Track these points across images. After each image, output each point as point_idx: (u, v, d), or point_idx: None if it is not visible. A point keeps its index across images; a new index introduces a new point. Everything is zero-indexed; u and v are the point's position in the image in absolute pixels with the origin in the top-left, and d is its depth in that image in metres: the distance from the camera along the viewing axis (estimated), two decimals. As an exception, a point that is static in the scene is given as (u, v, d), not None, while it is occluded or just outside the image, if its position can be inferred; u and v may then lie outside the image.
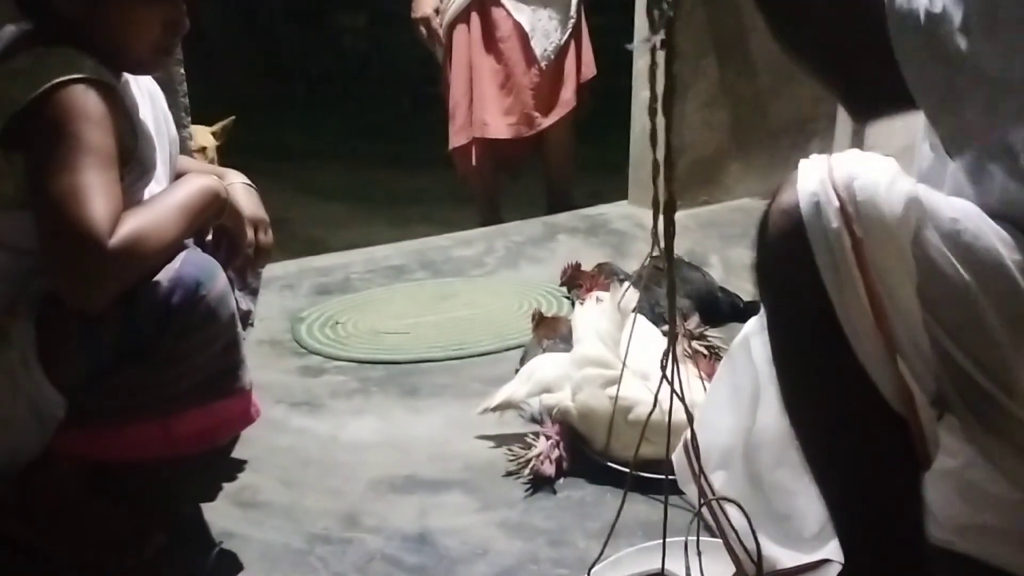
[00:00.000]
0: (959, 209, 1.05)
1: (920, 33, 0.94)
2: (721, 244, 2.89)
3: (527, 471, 1.74)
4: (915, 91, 0.96)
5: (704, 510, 1.20)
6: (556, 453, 1.75)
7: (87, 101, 1.32)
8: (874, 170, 1.02)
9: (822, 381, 1.06)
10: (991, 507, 1.29)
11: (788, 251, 1.02)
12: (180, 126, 2.09)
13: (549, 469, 1.73)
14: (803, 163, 1.05)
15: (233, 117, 3.17)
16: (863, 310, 0.99)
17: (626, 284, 2.02)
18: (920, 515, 1.08)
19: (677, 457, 1.41)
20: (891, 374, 1.00)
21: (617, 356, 1.78)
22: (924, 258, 1.00)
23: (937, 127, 0.99)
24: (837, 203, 0.99)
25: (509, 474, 1.77)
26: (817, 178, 1.01)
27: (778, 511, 1.30)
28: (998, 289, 1.01)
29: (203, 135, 3.08)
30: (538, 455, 1.75)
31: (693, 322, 2.18)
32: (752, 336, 1.29)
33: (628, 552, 1.41)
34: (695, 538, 1.11)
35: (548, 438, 1.77)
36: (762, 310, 1.13)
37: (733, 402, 1.33)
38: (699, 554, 1.11)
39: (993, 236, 1.03)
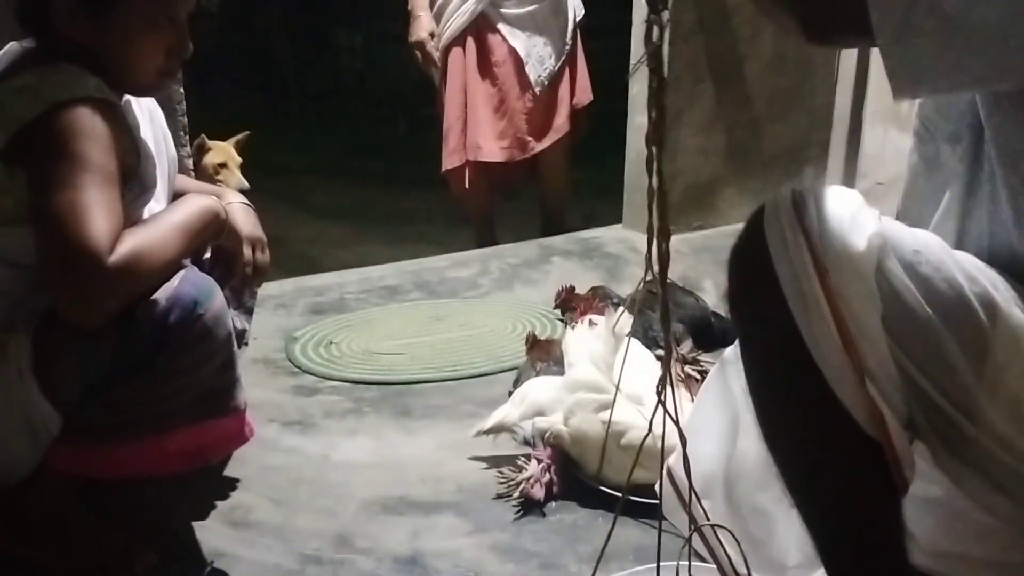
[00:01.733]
0: (921, 241, 1.08)
1: None
2: (715, 269, 2.91)
3: (517, 494, 1.75)
4: (874, 16, 0.95)
5: (696, 536, 1.20)
6: (547, 477, 1.75)
7: (90, 119, 1.33)
8: (838, 202, 1.05)
9: (796, 408, 1.08)
10: (974, 535, 1.30)
11: (757, 282, 1.05)
12: (179, 145, 2.11)
13: (539, 492, 1.73)
14: (771, 196, 1.07)
15: (248, 132, 3.18)
16: (831, 337, 1.01)
17: (620, 308, 2.03)
18: (902, 539, 1.09)
19: (663, 487, 1.41)
20: (861, 398, 1.02)
21: (610, 380, 1.79)
22: (887, 288, 1.03)
23: (886, 56, 0.98)
24: (802, 235, 1.02)
25: (499, 496, 1.77)
26: (783, 212, 1.04)
27: (760, 539, 1.31)
28: (959, 320, 1.03)
29: (225, 150, 3.09)
30: (528, 478, 1.75)
31: (686, 347, 2.19)
32: (729, 364, 1.31)
33: (619, 576, 1.42)
34: (687, 563, 1.11)
35: (539, 461, 1.77)
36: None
37: (712, 431, 1.34)
38: (690, 579, 1.12)
39: (954, 268, 1.05)
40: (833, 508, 1.10)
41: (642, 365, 1.85)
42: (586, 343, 1.90)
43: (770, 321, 1.05)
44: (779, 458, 1.11)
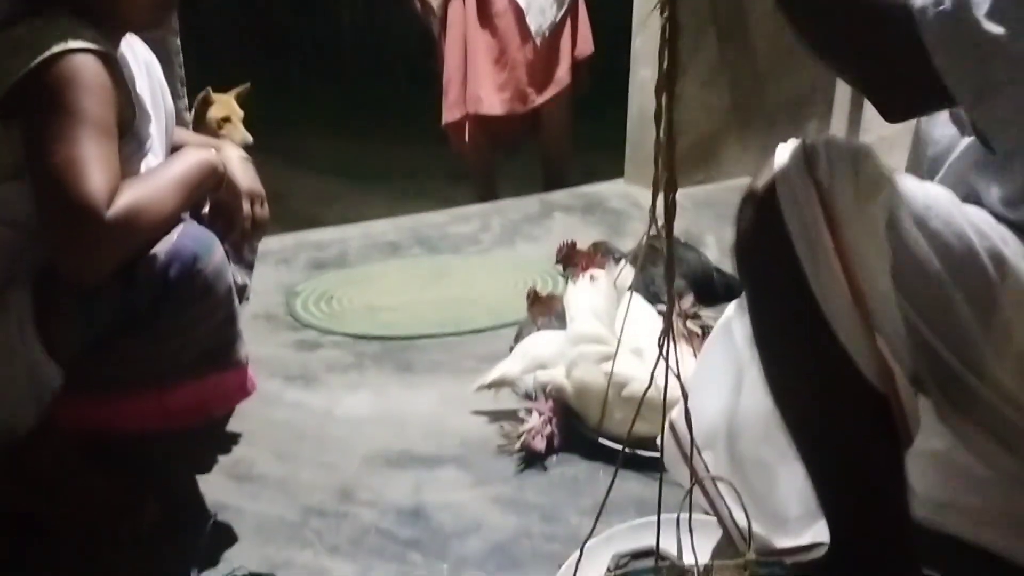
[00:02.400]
0: (932, 195, 1.07)
1: (948, 20, 0.93)
2: (717, 224, 2.89)
3: (518, 446, 1.76)
4: (949, 82, 0.96)
5: (696, 488, 1.21)
6: (548, 429, 1.76)
7: (86, 71, 1.31)
8: (850, 155, 1.04)
9: (803, 360, 1.07)
10: (976, 488, 1.31)
11: (766, 234, 1.05)
12: (176, 97, 2.09)
13: (540, 444, 1.74)
14: (780, 147, 1.06)
15: (248, 84, 3.14)
16: (840, 290, 1.01)
17: (623, 262, 2.03)
18: (904, 492, 1.10)
19: (664, 440, 1.41)
20: (870, 351, 1.02)
21: (612, 333, 1.79)
22: (897, 241, 1.02)
23: (976, 120, 0.98)
24: (813, 187, 1.02)
25: (500, 450, 1.78)
26: (793, 163, 1.03)
27: (761, 492, 1.32)
28: (967, 275, 1.03)
29: (228, 104, 3.05)
30: (529, 430, 1.76)
31: (688, 302, 2.18)
32: (733, 319, 1.30)
33: (620, 528, 1.42)
34: (687, 515, 1.12)
35: (540, 414, 1.78)
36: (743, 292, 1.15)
37: (716, 385, 1.34)
38: (691, 531, 1.12)
39: (964, 222, 1.05)
40: (837, 460, 1.10)
41: (644, 319, 1.85)
42: (588, 297, 1.90)
43: (779, 273, 1.04)
44: (785, 410, 1.12)
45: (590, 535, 1.25)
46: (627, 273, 1.91)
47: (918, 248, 1.02)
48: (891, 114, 1.07)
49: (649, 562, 1.23)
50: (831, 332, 1.01)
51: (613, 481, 1.13)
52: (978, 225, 1.05)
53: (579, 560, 1.21)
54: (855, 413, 1.06)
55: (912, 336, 1.04)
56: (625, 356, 1.68)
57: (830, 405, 1.07)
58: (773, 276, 1.06)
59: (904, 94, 1.04)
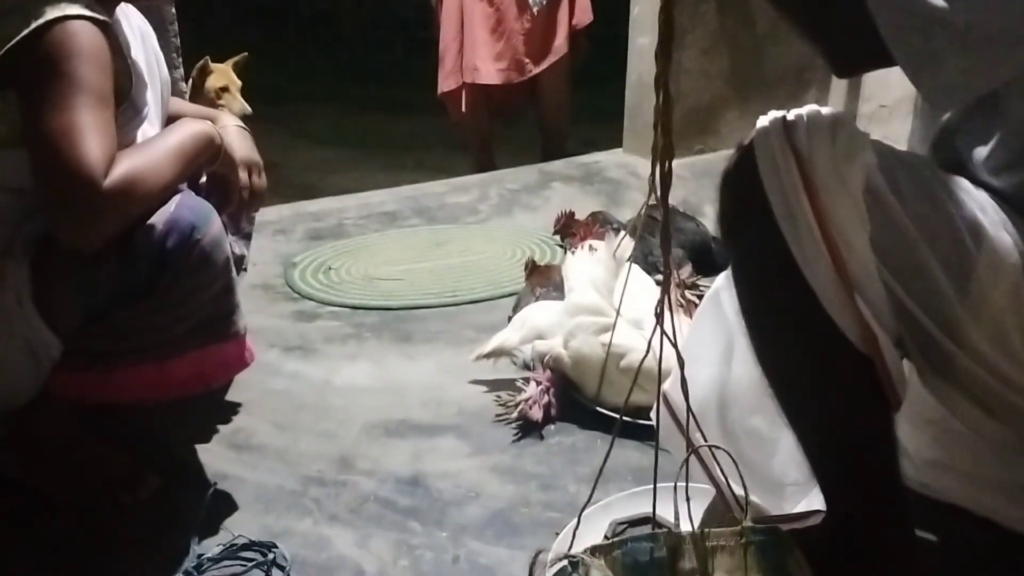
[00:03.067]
0: (910, 163, 1.07)
1: None
2: (716, 194, 2.88)
3: (515, 415, 1.76)
4: (893, 49, 0.98)
5: (692, 458, 1.21)
6: (545, 399, 1.76)
7: (82, 38, 1.30)
8: (829, 123, 1.05)
9: (788, 327, 1.08)
10: (973, 453, 1.32)
11: (748, 203, 1.06)
12: (171, 67, 2.07)
13: (537, 414, 1.75)
14: (761, 119, 1.07)
15: (246, 54, 3.11)
16: (820, 255, 1.02)
17: (622, 233, 2.03)
18: (895, 455, 1.10)
19: (659, 412, 1.42)
20: (853, 315, 1.02)
21: (610, 304, 1.79)
22: (875, 208, 1.03)
23: (918, 86, 1.00)
24: (792, 155, 1.02)
25: (498, 419, 1.79)
26: (773, 133, 1.04)
27: (755, 461, 1.32)
28: (944, 242, 1.04)
29: (226, 73, 3.02)
30: (527, 399, 1.76)
31: (686, 271, 2.18)
32: (722, 289, 1.31)
33: (618, 496, 1.43)
34: (684, 484, 1.12)
35: (538, 383, 1.79)
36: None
37: (706, 356, 1.35)
38: (688, 499, 1.13)
39: (942, 190, 1.06)
40: (826, 425, 1.11)
41: (642, 290, 1.86)
42: (586, 268, 1.90)
43: (761, 242, 1.05)
44: (772, 377, 1.12)
45: (588, 503, 1.25)
46: (626, 244, 1.91)
47: (895, 215, 1.03)
48: (839, 71, 1.13)
49: (646, 529, 1.24)
50: (813, 297, 1.02)
51: (610, 449, 1.14)
52: (956, 193, 1.06)
53: (577, 528, 1.21)
54: (841, 377, 1.07)
55: (892, 301, 1.05)
56: (623, 327, 1.68)
57: (816, 370, 1.08)
58: (755, 243, 1.07)
59: (851, 54, 1.07)
